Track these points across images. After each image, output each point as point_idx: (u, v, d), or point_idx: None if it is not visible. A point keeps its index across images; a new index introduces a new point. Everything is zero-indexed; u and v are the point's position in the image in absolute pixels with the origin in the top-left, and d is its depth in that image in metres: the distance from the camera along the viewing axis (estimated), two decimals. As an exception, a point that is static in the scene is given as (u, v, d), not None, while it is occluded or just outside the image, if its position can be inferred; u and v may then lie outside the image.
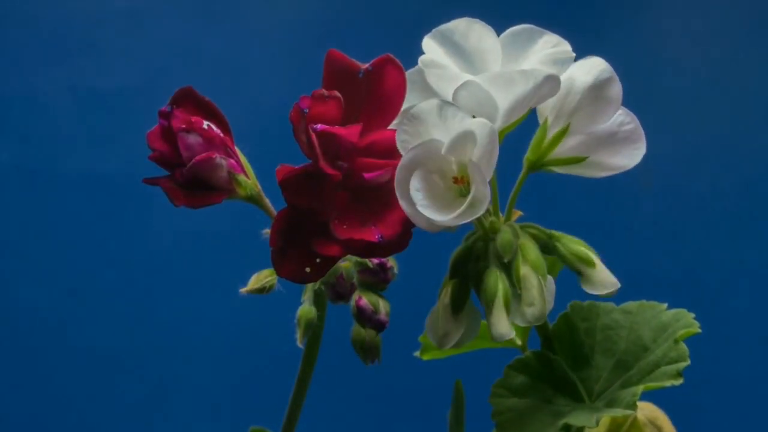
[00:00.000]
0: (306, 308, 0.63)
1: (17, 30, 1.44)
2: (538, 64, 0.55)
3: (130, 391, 1.39)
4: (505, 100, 0.54)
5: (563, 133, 0.57)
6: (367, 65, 0.57)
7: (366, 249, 0.54)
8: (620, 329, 0.62)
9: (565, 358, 0.62)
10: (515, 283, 0.55)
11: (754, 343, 1.35)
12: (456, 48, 0.56)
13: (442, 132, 0.53)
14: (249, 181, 0.60)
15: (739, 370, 1.34)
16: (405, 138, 0.53)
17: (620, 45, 1.38)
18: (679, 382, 0.57)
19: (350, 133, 0.55)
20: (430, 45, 0.57)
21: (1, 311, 1.40)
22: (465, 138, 0.52)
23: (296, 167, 0.55)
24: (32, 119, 1.42)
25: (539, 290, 0.55)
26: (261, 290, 0.61)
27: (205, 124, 0.59)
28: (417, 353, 0.73)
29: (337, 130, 0.55)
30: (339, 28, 1.44)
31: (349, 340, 0.64)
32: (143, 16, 1.44)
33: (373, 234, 0.54)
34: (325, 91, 0.55)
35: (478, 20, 0.57)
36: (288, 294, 0.63)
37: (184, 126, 0.58)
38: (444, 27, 0.57)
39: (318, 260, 0.55)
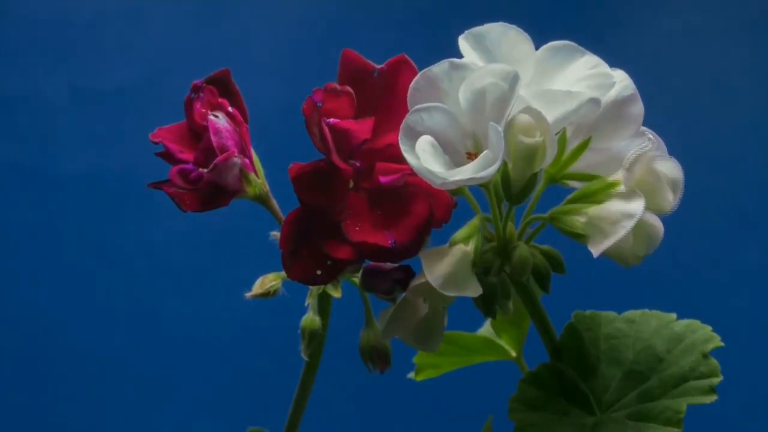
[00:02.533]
0: (309, 318, 0.62)
1: (17, 30, 1.43)
2: (583, 86, 0.54)
3: (130, 391, 1.38)
4: (547, 115, 0.52)
5: (583, 148, 0.55)
6: (382, 65, 0.56)
7: (378, 253, 0.53)
8: (624, 338, 0.61)
9: (573, 368, 0.60)
10: (587, 227, 0.53)
11: (753, 344, 1.34)
12: (487, 53, 0.54)
13: (453, 96, 0.52)
14: (259, 180, 0.59)
15: (739, 371, 1.32)
16: (417, 97, 0.52)
17: (619, 44, 1.37)
18: (713, 398, 0.56)
19: (362, 128, 0.54)
20: (463, 46, 0.55)
21: (1, 311, 1.39)
22: (479, 97, 0.51)
23: (309, 163, 0.54)
24: (32, 119, 1.42)
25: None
26: (266, 294, 0.61)
27: (230, 108, 0.58)
28: (411, 375, 0.72)
29: (350, 124, 0.54)
30: (340, 27, 1.44)
31: (350, 343, 0.62)
32: (143, 15, 1.43)
33: (386, 238, 0.53)
34: (337, 85, 0.55)
35: (514, 27, 0.55)
36: (291, 295, 0.62)
37: (211, 109, 0.58)
38: (477, 30, 0.55)
39: (329, 262, 0.54)
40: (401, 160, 0.54)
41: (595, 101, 0.52)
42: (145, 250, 1.39)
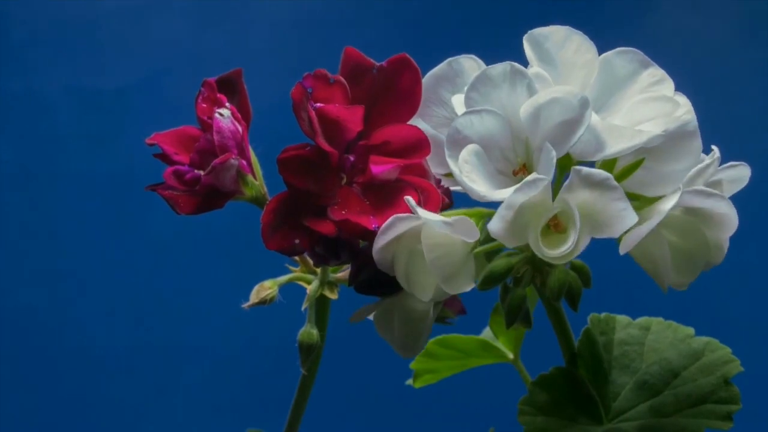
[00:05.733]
0: (307, 332, 0.61)
1: (18, 30, 1.43)
2: (648, 110, 0.52)
3: (131, 390, 1.38)
4: (613, 147, 0.51)
5: (635, 168, 0.53)
6: (382, 63, 0.56)
7: (358, 232, 0.53)
8: (637, 345, 0.60)
9: (586, 373, 0.59)
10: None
11: (751, 345, 1.33)
12: (546, 55, 0.53)
13: (512, 103, 0.51)
14: (256, 182, 0.58)
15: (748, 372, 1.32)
16: (474, 97, 0.51)
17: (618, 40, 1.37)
18: (729, 425, 0.56)
19: (353, 117, 0.54)
20: (525, 46, 0.54)
21: (2, 310, 1.38)
22: (542, 113, 0.50)
23: (295, 146, 0.54)
24: (32, 119, 1.41)
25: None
26: (262, 302, 0.61)
27: (228, 104, 0.58)
28: (409, 382, 0.72)
29: (339, 111, 0.54)
30: (340, 27, 1.43)
31: (348, 347, 0.61)
32: (143, 16, 1.43)
33: (370, 222, 0.52)
34: (328, 73, 0.54)
35: (579, 32, 0.54)
36: (291, 300, 0.61)
37: (210, 104, 0.57)
38: (538, 31, 0.54)
39: (307, 233, 0.54)
40: (399, 154, 0.54)
41: (660, 137, 0.51)
42: (145, 250, 1.39)
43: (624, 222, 0.48)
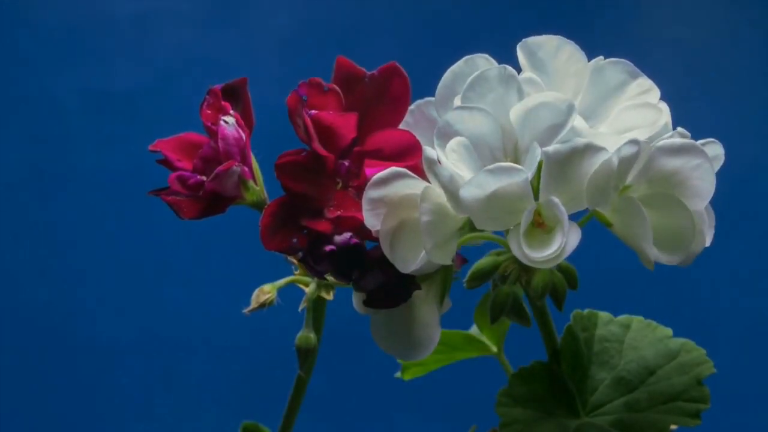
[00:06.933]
0: (304, 336, 0.62)
1: (30, 35, 1.44)
2: (634, 131, 0.52)
3: (134, 383, 1.39)
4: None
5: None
6: (373, 72, 0.57)
7: (354, 225, 0.54)
8: (617, 343, 0.61)
9: (567, 368, 0.60)
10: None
11: (737, 345, 1.34)
12: (539, 63, 0.54)
13: (505, 104, 0.51)
14: (257, 187, 0.59)
15: (723, 372, 1.32)
16: (470, 96, 0.52)
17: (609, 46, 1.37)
18: (697, 423, 0.57)
19: (347, 123, 0.55)
20: (519, 55, 0.54)
21: (14, 306, 1.40)
22: (531, 116, 0.51)
23: (292, 151, 0.55)
24: (44, 121, 1.43)
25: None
26: (262, 306, 0.61)
27: (232, 111, 0.58)
28: (398, 375, 0.72)
29: (333, 118, 0.55)
30: (344, 33, 1.43)
31: (345, 339, 0.62)
32: (151, 21, 1.44)
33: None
34: (322, 81, 0.55)
35: (571, 42, 0.54)
36: (290, 287, 0.62)
37: (215, 112, 0.58)
38: (532, 40, 0.54)
39: (304, 231, 0.54)
40: (391, 161, 0.55)
41: (636, 145, 0.50)
42: (152, 247, 1.40)
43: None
